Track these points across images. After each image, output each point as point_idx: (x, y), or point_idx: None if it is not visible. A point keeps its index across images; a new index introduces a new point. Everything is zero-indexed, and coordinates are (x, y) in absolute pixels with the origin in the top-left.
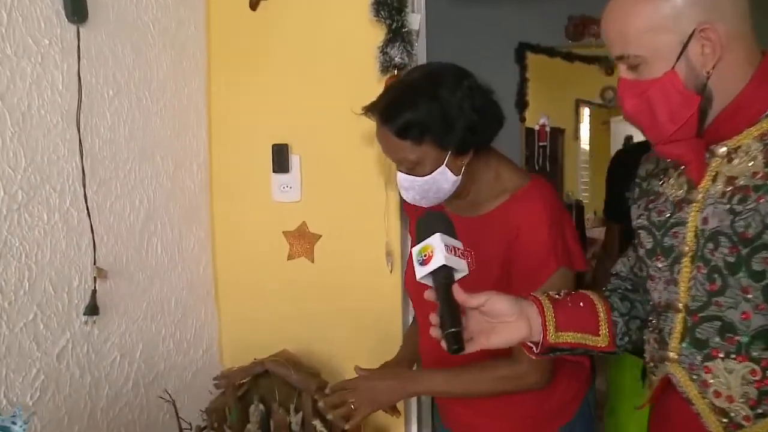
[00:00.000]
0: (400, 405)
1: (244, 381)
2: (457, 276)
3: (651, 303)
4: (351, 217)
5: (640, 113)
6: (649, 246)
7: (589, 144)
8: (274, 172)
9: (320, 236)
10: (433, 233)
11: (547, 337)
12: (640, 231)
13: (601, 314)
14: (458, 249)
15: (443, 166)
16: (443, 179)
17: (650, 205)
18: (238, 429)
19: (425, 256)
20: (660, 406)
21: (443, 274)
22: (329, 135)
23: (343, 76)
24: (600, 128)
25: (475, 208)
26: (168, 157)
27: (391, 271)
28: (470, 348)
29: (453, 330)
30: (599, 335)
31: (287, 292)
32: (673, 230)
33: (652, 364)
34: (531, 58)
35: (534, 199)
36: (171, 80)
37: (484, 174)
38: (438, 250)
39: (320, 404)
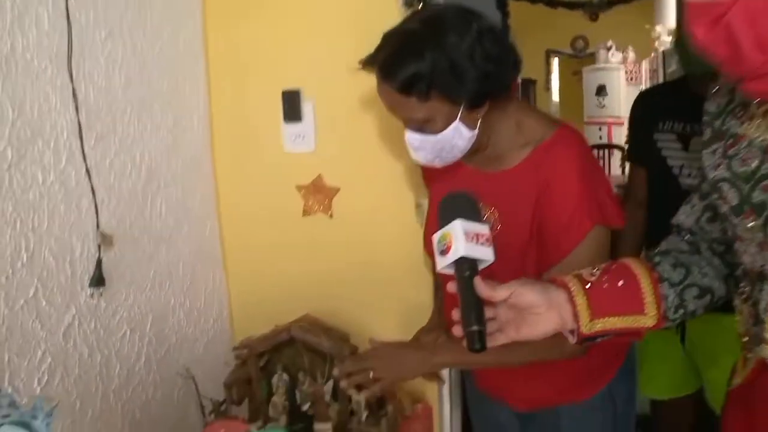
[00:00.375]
0: None
1: (265, 350)
2: (482, 265)
3: (742, 267)
4: (372, 166)
5: (717, 43)
6: (734, 202)
7: (559, 95)
8: (285, 121)
9: (338, 189)
10: (454, 219)
11: (581, 329)
12: (721, 184)
13: (646, 289)
14: (482, 235)
15: (457, 121)
16: (458, 135)
17: (730, 151)
18: (263, 402)
19: (445, 245)
20: (754, 386)
21: (466, 265)
22: (345, 78)
23: (360, 10)
24: (571, 79)
25: (496, 162)
26: (167, 108)
27: (421, 225)
28: (500, 340)
29: (475, 329)
30: (645, 314)
31: (303, 252)
32: (765, 183)
33: (746, 339)
34: (513, 4)
35: (562, 151)
36: (166, 22)
37: (503, 124)
38: (457, 239)
39: (335, 372)
